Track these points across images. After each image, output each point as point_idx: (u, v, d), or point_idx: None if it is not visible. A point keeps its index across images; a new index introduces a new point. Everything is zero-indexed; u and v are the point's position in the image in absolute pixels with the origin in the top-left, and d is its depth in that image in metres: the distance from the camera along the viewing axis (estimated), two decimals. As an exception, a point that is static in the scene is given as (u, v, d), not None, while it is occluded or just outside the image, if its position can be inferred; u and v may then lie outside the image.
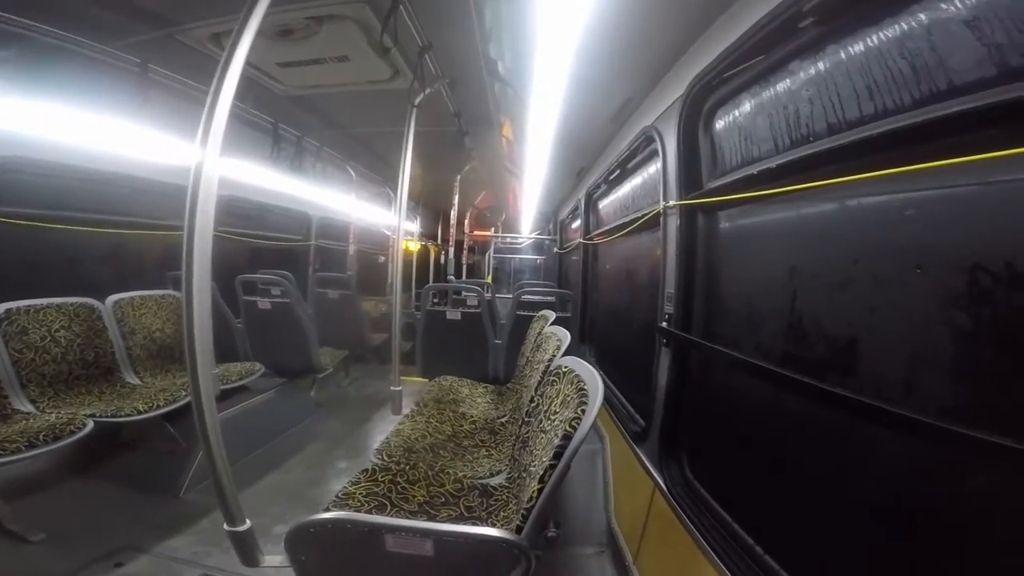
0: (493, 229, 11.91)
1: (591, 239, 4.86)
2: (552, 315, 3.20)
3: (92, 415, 2.50)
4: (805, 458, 1.40)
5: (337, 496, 1.81)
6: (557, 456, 1.33)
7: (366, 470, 1.96)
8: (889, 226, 1.15)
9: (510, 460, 2.27)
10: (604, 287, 4.68)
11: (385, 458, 2.20)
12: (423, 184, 7.41)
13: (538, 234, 11.57)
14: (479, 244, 11.74)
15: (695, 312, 2.10)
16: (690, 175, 2.14)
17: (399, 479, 1.95)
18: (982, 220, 0.95)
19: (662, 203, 2.33)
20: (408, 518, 1.74)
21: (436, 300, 4.64)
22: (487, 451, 2.52)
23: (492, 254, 11.70)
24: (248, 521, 1.64)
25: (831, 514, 1.28)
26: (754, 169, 1.66)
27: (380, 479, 1.92)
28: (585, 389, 1.49)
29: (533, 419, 1.96)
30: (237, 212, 4.81)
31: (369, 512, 1.74)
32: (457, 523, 1.71)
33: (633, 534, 2.23)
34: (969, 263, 0.94)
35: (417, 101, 2.88)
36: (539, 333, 2.88)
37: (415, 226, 8.88)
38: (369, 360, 5.79)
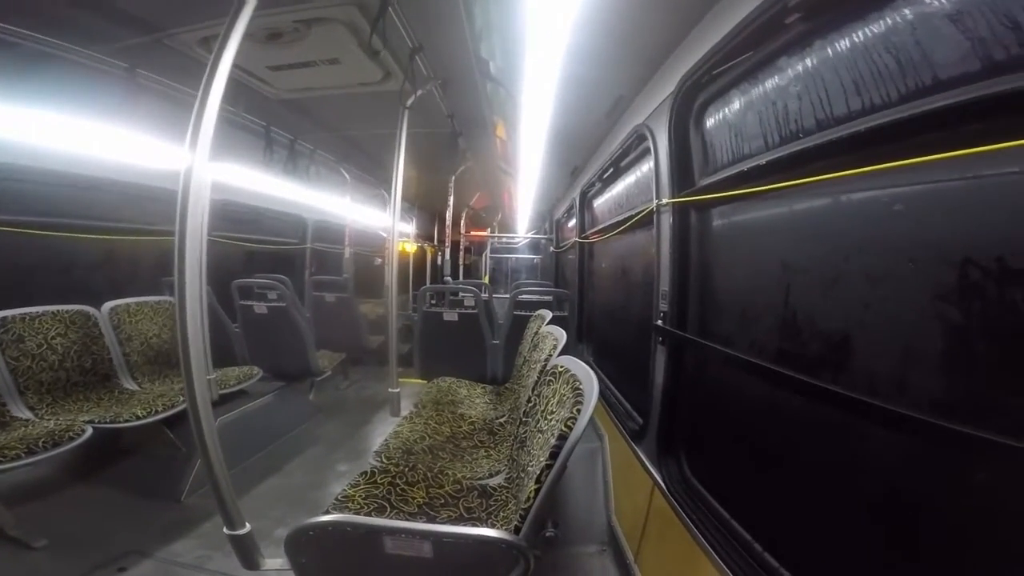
0: (489, 229, 11.91)
1: (586, 238, 4.87)
2: (549, 314, 3.20)
3: (91, 421, 2.51)
4: (801, 455, 1.40)
5: (336, 499, 1.81)
6: (553, 456, 1.33)
7: (365, 472, 1.97)
8: (879, 221, 1.15)
9: (509, 460, 2.27)
10: (600, 286, 4.69)
11: (384, 460, 2.20)
12: (418, 185, 7.41)
13: (534, 233, 11.58)
14: (476, 244, 11.75)
15: (690, 310, 2.11)
16: (682, 173, 2.15)
17: (398, 481, 1.95)
18: (970, 214, 0.95)
19: (655, 201, 2.33)
20: (407, 520, 1.75)
21: (433, 301, 4.65)
22: (486, 452, 2.52)
23: (489, 254, 11.71)
24: (248, 524, 1.65)
25: (827, 510, 1.28)
26: (745, 166, 1.66)
27: (379, 481, 1.93)
28: (581, 388, 1.50)
29: (530, 419, 1.97)
30: (232, 216, 4.81)
31: (369, 514, 1.74)
32: (456, 524, 1.72)
33: (634, 532, 2.23)
34: (959, 258, 0.94)
35: (409, 103, 2.88)
36: (536, 333, 2.88)
37: (411, 228, 8.87)
38: (367, 362, 5.79)
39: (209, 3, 2.28)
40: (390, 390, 2.99)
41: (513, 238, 12.58)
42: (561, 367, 1.77)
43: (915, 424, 0.99)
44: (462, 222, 8.54)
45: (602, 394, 2.61)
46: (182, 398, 2.82)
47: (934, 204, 1.03)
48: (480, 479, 2.17)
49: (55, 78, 2.80)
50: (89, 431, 2.41)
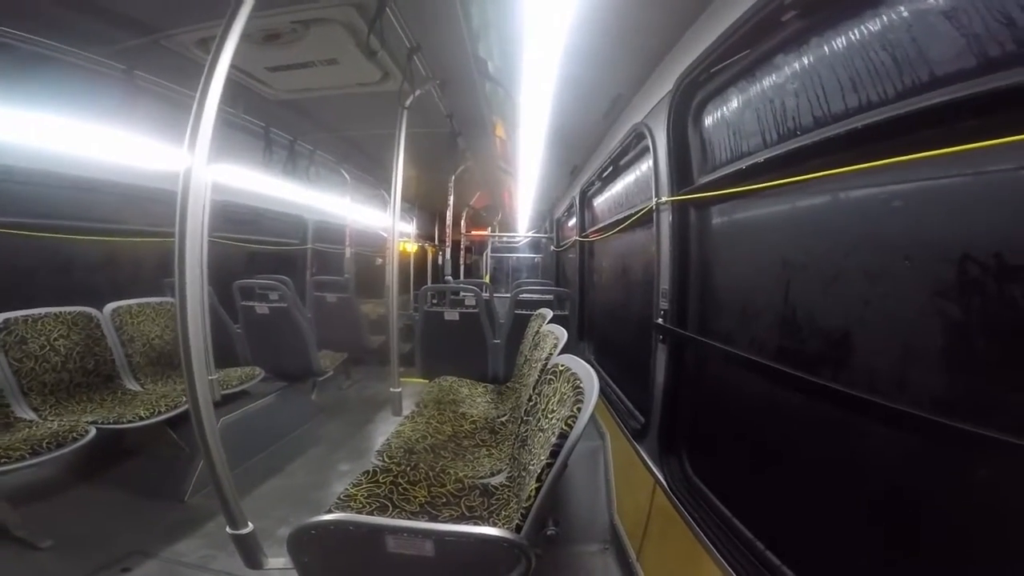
0: (490, 228, 11.91)
1: (587, 236, 4.87)
2: (550, 313, 3.20)
3: (94, 422, 2.52)
4: (802, 452, 1.41)
5: (339, 498, 1.82)
6: (554, 454, 1.34)
7: (367, 472, 1.97)
8: (877, 218, 1.16)
9: (510, 459, 2.28)
10: (601, 284, 4.69)
11: (386, 459, 2.21)
12: (418, 185, 7.41)
13: (535, 233, 11.58)
14: (476, 244, 11.75)
15: (690, 308, 2.11)
16: (681, 171, 2.15)
17: (400, 480, 1.96)
18: (968, 211, 0.95)
19: (654, 199, 2.34)
20: (409, 519, 1.76)
21: (434, 301, 4.65)
22: (487, 451, 2.53)
23: (489, 253, 11.71)
24: (250, 524, 1.66)
25: (829, 508, 1.28)
26: (743, 164, 1.66)
27: (381, 480, 1.93)
28: (581, 387, 1.50)
29: (531, 418, 1.97)
30: (232, 217, 4.82)
31: (371, 513, 1.75)
32: (458, 523, 1.72)
33: (636, 531, 2.24)
34: (958, 254, 0.94)
35: (407, 103, 2.88)
36: (537, 332, 2.89)
37: (411, 227, 8.88)
38: (369, 362, 5.80)
39: (206, 4, 2.28)
40: (392, 390, 3.00)
41: (514, 237, 12.58)
42: (561, 366, 1.77)
43: (916, 421, 0.99)
44: (462, 221, 8.55)
45: (603, 393, 2.62)
46: (185, 399, 2.83)
47: (932, 200, 1.03)
48: (481, 478, 2.18)
49: (53, 80, 2.80)
50: (92, 432, 2.42)
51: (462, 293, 4.69)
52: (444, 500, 1.93)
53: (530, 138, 3.92)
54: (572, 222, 5.84)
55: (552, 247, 8.36)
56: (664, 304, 2.23)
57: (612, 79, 2.65)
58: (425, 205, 9.53)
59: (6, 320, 2.66)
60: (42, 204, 3.07)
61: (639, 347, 2.74)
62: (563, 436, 1.34)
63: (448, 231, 6.93)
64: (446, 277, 7.50)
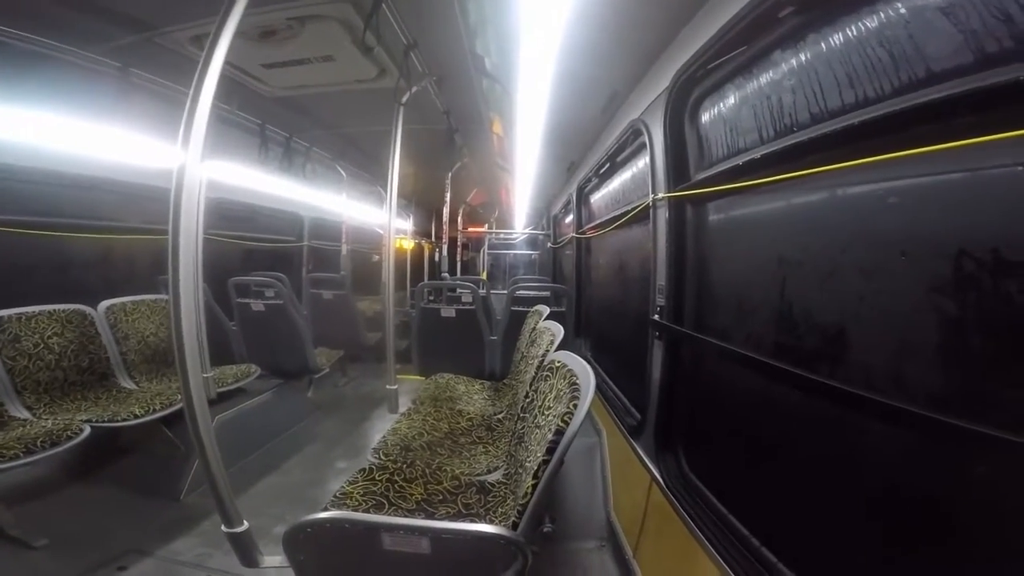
0: (487, 225, 11.90)
1: (583, 233, 4.87)
2: (546, 310, 3.20)
3: (88, 421, 2.51)
4: (798, 449, 1.41)
5: (335, 496, 1.82)
6: (550, 451, 1.33)
7: (363, 469, 1.97)
8: (873, 214, 1.16)
9: (507, 456, 2.28)
10: (598, 281, 4.69)
11: (382, 457, 2.21)
12: (415, 182, 7.40)
13: (532, 229, 11.57)
14: (473, 241, 11.74)
15: (686, 304, 2.11)
16: (678, 167, 2.15)
17: (396, 478, 1.95)
18: (965, 207, 0.95)
19: (651, 196, 2.33)
20: (406, 516, 1.75)
21: (431, 298, 4.64)
22: (484, 448, 2.53)
23: (486, 250, 11.70)
24: (246, 522, 1.66)
25: (824, 505, 1.29)
26: (740, 160, 1.66)
27: (377, 478, 1.93)
28: (577, 383, 1.50)
29: (528, 415, 1.97)
30: (228, 214, 4.80)
31: (367, 511, 1.75)
32: (454, 520, 1.72)
33: (632, 528, 2.24)
34: (954, 250, 0.94)
35: (404, 99, 2.87)
36: (533, 328, 2.89)
37: (408, 224, 8.86)
38: (365, 359, 5.80)
39: (201, 1, 2.26)
40: (388, 387, 2.99)
41: (511, 234, 12.57)
42: (558, 362, 1.77)
43: (912, 418, 0.99)
44: (459, 218, 8.54)
45: (600, 389, 2.62)
46: (180, 396, 2.81)
47: (928, 197, 1.03)
48: (478, 475, 2.18)
49: (48, 78, 2.79)
50: (87, 430, 2.41)
51: (459, 290, 4.68)
52: (440, 497, 1.93)
53: (527, 134, 3.91)
54: (569, 219, 5.84)
55: (549, 244, 8.36)
56: (660, 300, 2.23)
57: (609, 75, 2.65)
58: (422, 202, 9.51)
59: (-1, 318, 2.65)
60: (37, 202, 3.05)
61: (635, 343, 2.74)
62: (559, 433, 1.34)
63: (445, 228, 6.92)
64: (443, 274, 7.50)
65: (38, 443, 2.20)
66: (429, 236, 10.73)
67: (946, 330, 0.97)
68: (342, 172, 6.12)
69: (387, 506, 1.81)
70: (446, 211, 6.33)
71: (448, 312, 4.29)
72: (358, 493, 1.83)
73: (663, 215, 2.22)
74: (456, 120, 4.11)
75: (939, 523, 0.99)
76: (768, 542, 1.47)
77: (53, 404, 2.76)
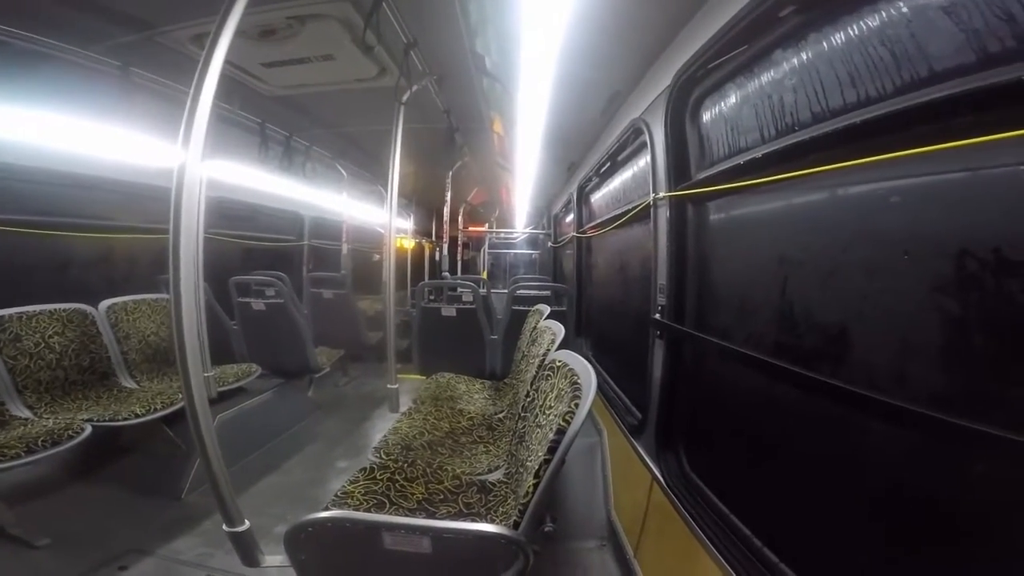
0: (487, 225, 11.90)
1: (584, 232, 4.87)
2: (547, 309, 3.20)
3: (90, 420, 2.51)
4: (800, 448, 1.41)
5: (336, 495, 1.82)
6: (551, 451, 1.33)
7: (364, 469, 1.97)
8: (875, 213, 1.16)
9: (508, 455, 2.28)
10: (598, 280, 4.69)
11: (383, 456, 2.21)
12: (416, 181, 7.39)
13: (532, 229, 11.57)
14: (473, 240, 11.74)
15: (687, 303, 2.11)
16: (678, 166, 2.14)
17: (397, 477, 1.96)
18: (966, 206, 0.95)
19: (652, 195, 2.33)
20: (407, 516, 1.75)
21: (431, 297, 4.64)
22: (485, 447, 2.53)
23: (487, 249, 11.70)
24: (247, 522, 1.66)
25: (826, 504, 1.28)
26: (741, 159, 1.66)
27: (378, 477, 1.93)
28: (579, 383, 1.50)
29: (529, 414, 1.97)
30: (228, 214, 4.80)
31: (368, 510, 1.75)
32: (456, 520, 1.72)
33: (633, 527, 2.24)
34: (955, 249, 0.94)
35: (404, 98, 2.87)
36: (534, 328, 2.89)
37: (409, 223, 8.86)
38: (366, 359, 5.80)
39: (201, 0, 2.26)
40: (389, 386, 2.99)
41: (511, 233, 12.57)
42: (559, 361, 1.77)
43: (914, 417, 0.99)
44: (460, 218, 8.53)
45: (601, 389, 2.62)
46: (181, 396, 2.81)
47: (930, 196, 1.03)
48: (479, 474, 2.18)
49: (48, 77, 2.78)
50: (88, 429, 2.41)
51: (459, 289, 4.68)
52: (441, 497, 1.93)
53: (528, 134, 3.91)
54: (569, 218, 5.84)
55: (549, 243, 8.35)
56: (661, 300, 2.23)
57: (610, 75, 2.64)
58: (422, 201, 9.51)
59: (0, 318, 2.65)
60: (38, 201, 3.05)
61: (636, 343, 2.74)
62: (561, 432, 1.34)
63: (445, 227, 6.91)
64: (443, 273, 7.49)
65: (39, 442, 2.20)
66: (430, 235, 10.73)
67: (948, 329, 0.96)
68: (342, 171, 6.12)
69: (388, 505, 1.81)
70: (447, 210, 6.33)
71: (449, 311, 4.29)
72: (359, 492, 1.83)
73: (664, 214, 2.21)
74: (456, 119, 4.11)
75: (942, 523, 0.98)
76: (770, 542, 1.47)
77: (54, 403, 2.76)
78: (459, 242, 8.73)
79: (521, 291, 4.72)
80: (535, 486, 1.35)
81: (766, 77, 1.58)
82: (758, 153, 1.56)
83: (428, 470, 2.04)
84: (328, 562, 1.44)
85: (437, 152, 4.97)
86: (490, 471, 2.24)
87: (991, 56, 0.89)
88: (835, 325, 1.26)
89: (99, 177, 3.30)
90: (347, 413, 4.46)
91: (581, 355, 1.71)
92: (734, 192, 1.76)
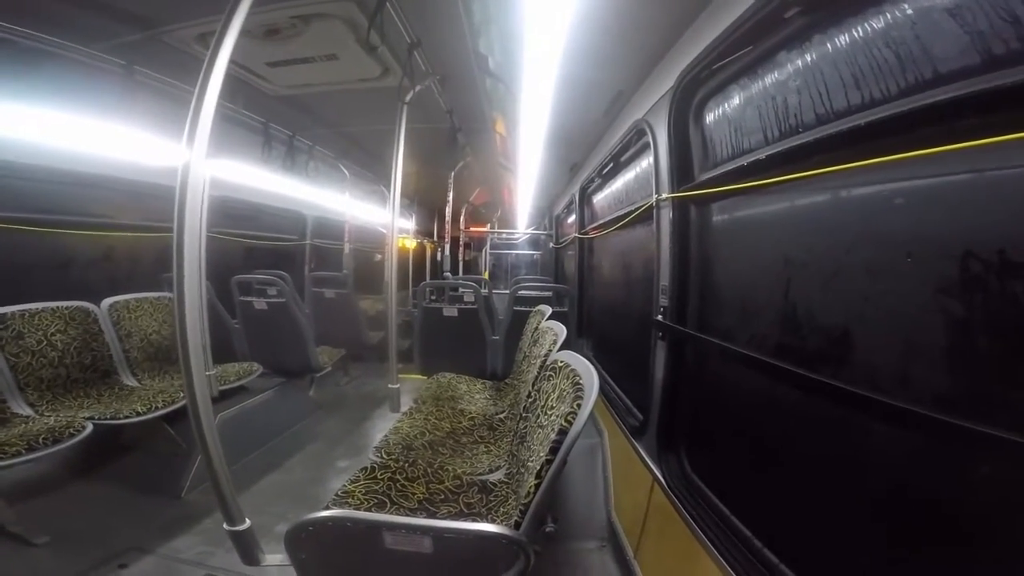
0: (489, 225, 11.90)
1: (586, 233, 4.86)
2: (549, 310, 3.20)
3: (91, 418, 2.51)
4: (801, 450, 1.40)
5: (336, 494, 1.82)
6: (553, 451, 1.33)
7: (365, 468, 1.97)
8: (879, 215, 1.15)
9: (509, 456, 2.27)
10: (600, 281, 4.69)
11: (384, 456, 2.21)
12: (418, 181, 7.40)
13: (534, 229, 11.57)
14: (475, 240, 11.74)
15: (690, 305, 2.11)
16: (682, 168, 2.14)
17: (398, 476, 1.95)
18: (971, 208, 0.95)
19: (655, 196, 2.33)
20: (408, 515, 1.75)
21: (433, 297, 4.64)
22: (486, 447, 2.53)
23: (488, 250, 11.70)
24: (248, 520, 1.66)
25: (827, 506, 1.28)
26: (744, 161, 1.66)
27: (379, 477, 1.93)
28: (581, 383, 1.50)
29: (531, 414, 1.97)
30: (231, 213, 4.81)
31: (368, 510, 1.75)
32: (456, 520, 1.72)
33: (633, 528, 2.24)
34: (960, 251, 0.94)
35: (407, 98, 2.87)
36: (536, 328, 2.89)
37: (411, 223, 8.86)
38: (367, 358, 5.80)
39: None
40: (390, 386, 2.99)
41: (513, 234, 12.57)
42: (561, 362, 1.77)
43: (917, 419, 0.99)
44: (462, 218, 8.54)
45: (602, 390, 2.61)
46: (182, 394, 2.82)
47: (934, 198, 1.03)
48: (480, 475, 2.18)
49: (53, 76, 2.79)
50: (89, 427, 2.42)
51: (461, 289, 4.68)
52: (442, 497, 1.93)
53: (530, 135, 3.90)
54: (571, 219, 5.84)
55: (551, 244, 8.35)
56: (664, 301, 2.22)
57: (613, 76, 2.64)
58: (424, 201, 9.52)
59: (2, 315, 2.65)
60: (41, 200, 3.05)
61: (638, 344, 2.73)
62: (563, 432, 1.33)
63: (447, 227, 6.92)
64: (445, 273, 7.49)
65: (40, 440, 2.20)
66: (431, 235, 10.74)
67: (952, 331, 0.96)
68: (345, 171, 6.13)
69: (389, 505, 1.81)
70: (448, 210, 6.33)
71: (450, 311, 4.29)
72: (360, 492, 1.83)
73: (667, 215, 2.21)
74: (459, 119, 4.11)
75: (945, 524, 0.98)
76: (771, 543, 1.46)
77: (55, 401, 2.76)
78: (461, 242, 8.72)
79: (523, 292, 4.72)
80: (537, 486, 1.34)
81: (770, 78, 1.58)
82: (762, 155, 1.56)
83: (429, 470, 2.04)
84: (328, 561, 1.44)
85: (439, 152, 4.97)
86: (491, 471, 2.24)
87: (996, 58, 0.89)
88: (838, 326, 1.26)
89: (101, 175, 3.30)
90: (348, 412, 4.46)
91: (582, 356, 1.71)
92: (737, 193, 1.76)
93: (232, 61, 1.54)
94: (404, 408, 2.89)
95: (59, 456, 2.39)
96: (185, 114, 1.47)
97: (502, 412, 2.99)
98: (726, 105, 1.89)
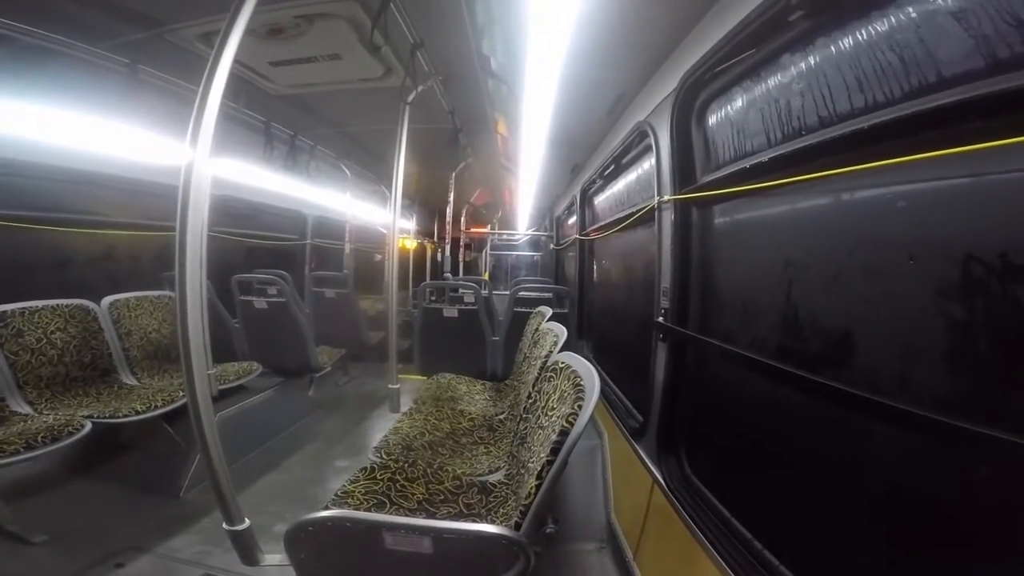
0: (490, 226, 11.91)
1: (587, 235, 4.86)
2: (549, 311, 3.20)
3: (90, 416, 2.51)
4: (802, 452, 1.40)
5: (336, 495, 1.81)
6: (554, 452, 1.33)
7: (365, 468, 1.97)
8: (882, 218, 1.15)
9: (509, 457, 2.27)
10: (600, 282, 4.69)
11: (384, 456, 2.20)
12: (419, 182, 7.40)
13: (535, 230, 11.57)
14: (476, 241, 11.74)
15: (691, 307, 2.11)
16: (684, 170, 2.14)
17: (398, 477, 1.95)
18: (973, 211, 0.95)
19: (656, 198, 2.33)
20: (407, 516, 1.75)
21: (433, 298, 4.64)
22: (486, 448, 2.53)
23: (489, 251, 11.70)
24: (247, 520, 1.65)
25: (828, 508, 1.28)
26: (747, 163, 1.66)
27: (379, 477, 1.93)
28: (582, 384, 1.50)
29: (531, 415, 1.97)
30: (232, 212, 4.81)
31: (368, 510, 1.74)
32: (456, 520, 1.72)
33: (633, 530, 2.24)
34: (962, 254, 0.94)
35: (410, 99, 2.87)
36: (536, 329, 2.89)
37: (411, 224, 8.86)
38: (367, 358, 5.80)
39: None
40: (390, 386, 2.99)
41: (513, 235, 12.57)
42: (562, 363, 1.77)
43: (917, 420, 0.99)
44: (462, 218, 8.54)
45: (602, 391, 2.61)
46: (181, 393, 2.82)
47: (937, 201, 1.03)
48: (480, 475, 2.17)
49: (56, 74, 2.79)
50: (88, 426, 2.41)
51: (461, 290, 4.68)
52: (442, 497, 1.93)
53: (532, 136, 3.90)
54: (572, 220, 5.84)
55: (552, 245, 8.35)
56: (665, 303, 2.22)
57: (615, 77, 2.64)
58: (425, 201, 9.52)
59: (2, 313, 2.65)
60: (43, 198, 3.05)
61: (638, 346, 2.73)
62: (564, 433, 1.33)
63: (448, 228, 6.92)
64: (445, 274, 7.49)
65: (39, 438, 2.20)
66: (432, 236, 10.74)
67: (954, 334, 0.96)
68: (346, 171, 6.13)
69: (389, 505, 1.81)
70: (449, 211, 6.33)
71: (450, 312, 4.29)
72: (360, 492, 1.83)
73: (668, 217, 2.21)
74: (461, 120, 4.11)
75: (945, 527, 0.98)
76: (770, 545, 1.46)
77: (54, 399, 2.76)
78: (461, 243, 8.73)
79: (523, 293, 4.72)
80: (538, 487, 1.34)
81: (773, 81, 1.58)
82: (764, 157, 1.56)
83: (429, 470, 2.03)
84: (328, 561, 1.43)
85: (441, 153, 4.97)
86: (491, 472, 2.24)
87: (1000, 62, 0.89)
88: (839, 329, 1.26)
89: (102, 173, 3.30)
90: (347, 412, 4.45)
91: (582, 357, 1.71)
92: (739, 196, 1.76)
93: (235, 60, 1.54)
94: (404, 408, 2.89)
95: (57, 455, 2.39)
96: (188, 113, 1.47)
97: (502, 413, 2.99)
98: (729, 107, 1.89)
